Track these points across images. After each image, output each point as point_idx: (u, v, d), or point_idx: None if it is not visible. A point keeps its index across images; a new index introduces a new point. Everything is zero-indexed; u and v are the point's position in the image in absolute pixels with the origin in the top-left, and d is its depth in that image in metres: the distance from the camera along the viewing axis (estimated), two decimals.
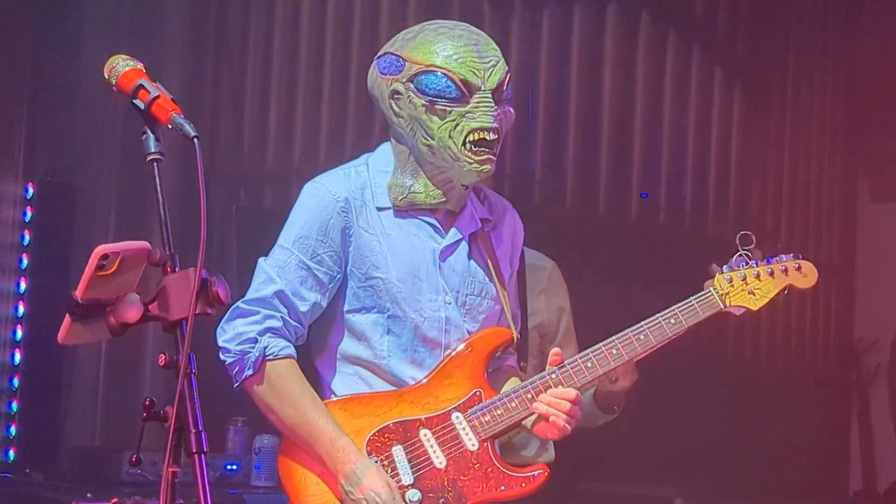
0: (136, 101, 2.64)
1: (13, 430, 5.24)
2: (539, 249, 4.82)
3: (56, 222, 5.31)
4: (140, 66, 2.70)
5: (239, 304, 3.28)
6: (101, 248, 2.47)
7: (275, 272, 3.29)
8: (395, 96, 3.36)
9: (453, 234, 3.43)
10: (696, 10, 7.06)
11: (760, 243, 3.53)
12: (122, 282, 2.50)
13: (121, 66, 2.70)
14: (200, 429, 2.46)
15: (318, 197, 3.35)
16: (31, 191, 5.29)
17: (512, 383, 3.46)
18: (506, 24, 6.44)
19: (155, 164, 2.61)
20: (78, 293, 2.49)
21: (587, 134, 6.70)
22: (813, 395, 7.08)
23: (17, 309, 5.27)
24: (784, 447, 6.75)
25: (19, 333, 5.25)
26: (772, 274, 3.51)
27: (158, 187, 2.58)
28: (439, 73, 3.31)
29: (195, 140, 2.55)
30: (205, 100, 5.62)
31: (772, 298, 3.51)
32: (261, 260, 3.33)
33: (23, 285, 5.25)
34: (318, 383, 3.40)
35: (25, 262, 5.26)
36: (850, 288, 7.40)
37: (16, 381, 5.26)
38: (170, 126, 2.60)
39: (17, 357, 5.25)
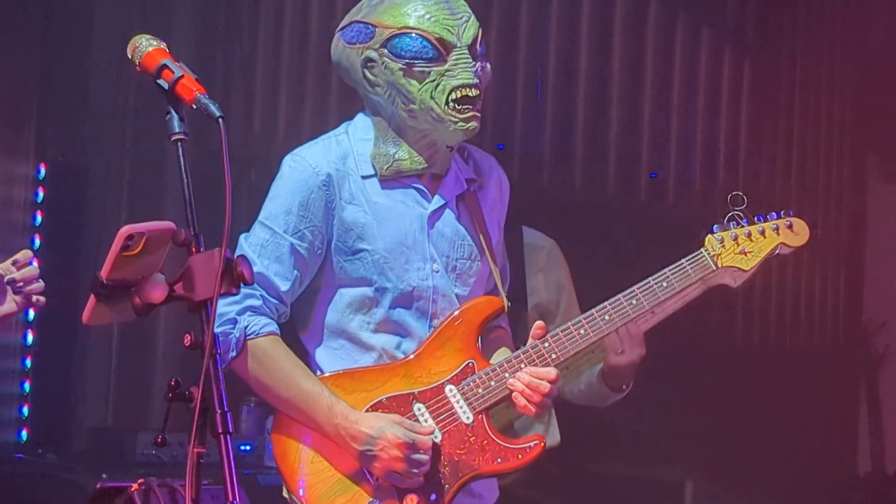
0: (160, 81, 2.63)
1: (26, 410, 5.25)
2: (548, 229, 4.81)
3: (68, 203, 5.32)
4: (163, 45, 2.70)
5: None
6: (126, 229, 2.46)
7: (255, 252, 3.23)
8: (369, 64, 3.30)
9: (438, 200, 3.38)
10: None
11: (751, 204, 3.52)
12: (147, 262, 2.49)
13: (144, 46, 2.69)
14: (226, 409, 2.45)
15: (299, 171, 3.30)
16: (42, 171, 5.29)
17: (502, 353, 3.42)
18: (515, 5, 6.42)
19: (179, 144, 2.59)
20: (103, 273, 2.48)
21: (596, 114, 6.69)
22: (822, 376, 7.07)
23: None
24: (793, 429, 6.75)
25: (31, 314, 5.25)
26: (763, 233, 3.49)
27: (183, 167, 2.56)
28: (413, 35, 3.26)
29: (220, 120, 2.55)
30: (215, 80, 5.61)
31: (764, 257, 3.49)
32: (242, 237, 3.26)
33: (35, 266, 5.24)
34: (304, 358, 3.35)
35: (37, 242, 5.26)
36: (860, 269, 7.39)
37: (28, 362, 5.27)
38: (194, 106, 2.59)
39: (30, 338, 5.26)
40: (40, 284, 3.12)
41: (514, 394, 3.30)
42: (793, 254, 6.67)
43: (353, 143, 3.37)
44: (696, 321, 6.12)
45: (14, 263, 3.11)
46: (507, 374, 3.31)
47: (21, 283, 3.09)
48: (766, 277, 6.98)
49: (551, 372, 3.31)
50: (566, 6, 6.57)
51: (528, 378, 3.29)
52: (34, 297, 3.12)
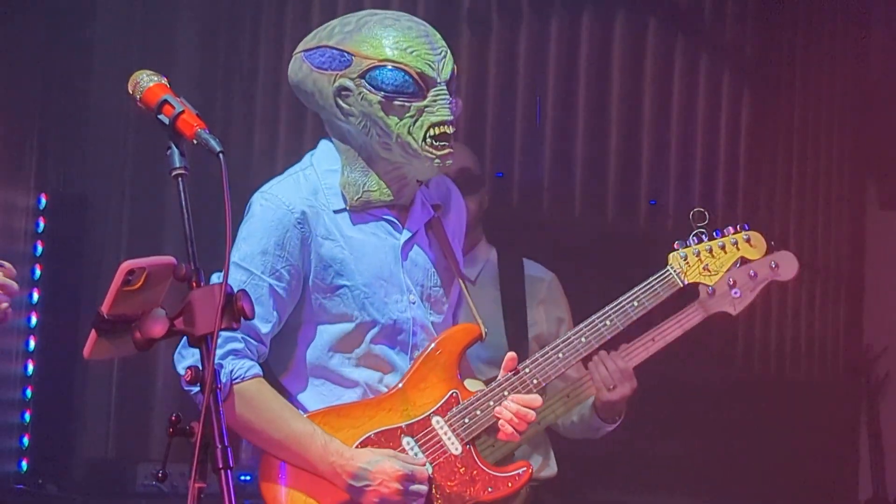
0: (161, 117, 2.64)
1: (26, 440, 5.24)
2: (548, 255, 4.83)
3: (68, 233, 5.32)
4: (164, 81, 2.71)
5: None
6: (127, 264, 2.47)
7: None
8: (343, 93, 3.25)
9: (408, 230, 3.36)
10: (704, 16, 7.06)
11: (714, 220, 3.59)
12: (147, 297, 2.50)
13: (145, 82, 2.70)
14: (226, 444, 2.45)
15: (273, 210, 3.24)
16: (43, 201, 5.30)
17: (471, 383, 3.41)
18: (514, 30, 6.43)
19: (180, 179, 2.59)
20: (104, 308, 2.49)
21: (595, 140, 6.69)
22: (822, 403, 7.06)
23: (29, 319, 5.27)
24: (793, 456, 6.74)
25: (32, 344, 5.26)
26: (723, 248, 3.57)
27: (183, 202, 2.57)
28: (394, 68, 3.22)
29: (220, 155, 2.55)
30: (215, 113, 5.62)
31: (726, 272, 3.58)
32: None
33: (35, 296, 5.26)
34: (286, 398, 3.31)
35: (38, 272, 5.26)
36: (859, 295, 7.38)
37: (28, 392, 5.27)
38: (195, 141, 2.60)
39: (30, 367, 5.26)
40: (6, 298, 3.04)
41: (500, 422, 3.31)
42: (792, 281, 6.69)
43: (320, 175, 3.33)
44: (697, 350, 6.13)
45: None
46: (491, 402, 3.32)
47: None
48: (766, 305, 6.98)
49: (536, 399, 3.33)
50: (564, 33, 6.58)
51: (516, 407, 3.30)
52: (3, 305, 3.04)
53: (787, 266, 3.85)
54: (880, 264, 7.35)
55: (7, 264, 3.08)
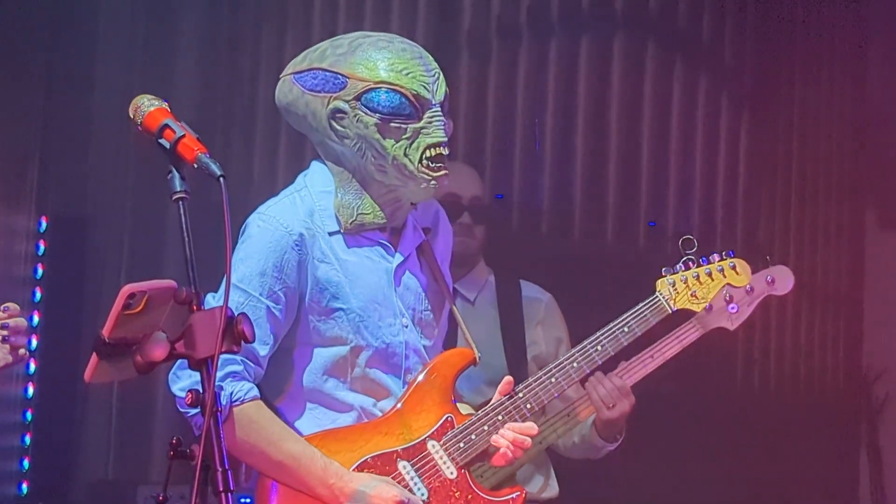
0: (162, 141, 2.65)
1: (26, 463, 5.23)
2: (547, 278, 4.84)
3: (69, 256, 5.32)
4: (165, 105, 2.72)
5: None
6: (128, 288, 2.49)
7: None
8: (338, 115, 3.25)
9: (401, 253, 3.36)
10: (703, 38, 7.08)
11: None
12: (148, 320, 2.51)
13: (146, 106, 2.71)
14: (227, 467, 2.47)
15: (271, 231, 3.24)
16: (43, 224, 5.30)
17: (462, 408, 3.43)
18: (513, 54, 6.45)
19: (181, 202, 2.61)
20: (105, 332, 2.50)
21: (594, 163, 6.70)
22: (821, 424, 7.06)
23: (29, 342, 5.23)
24: (793, 477, 6.74)
25: (32, 367, 5.25)
26: (710, 275, 3.64)
27: (184, 226, 2.58)
28: (390, 90, 3.22)
29: (221, 179, 2.57)
30: (215, 133, 5.63)
31: (712, 298, 3.65)
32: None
33: (36, 319, 5.25)
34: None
35: (38, 295, 5.26)
36: (859, 316, 7.38)
37: (29, 415, 5.26)
38: (195, 165, 2.61)
39: (31, 390, 5.25)
40: (24, 339, 3.13)
41: (491, 448, 3.33)
42: (792, 301, 6.68)
43: (315, 197, 3.32)
44: (697, 370, 6.13)
45: (4, 310, 3.13)
46: (486, 427, 3.34)
47: (8, 333, 3.11)
48: (766, 325, 6.98)
49: (533, 428, 3.35)
50: (564, 55, 6.60)
51: (513, 435, 3.32)
52: (21, 351, 3.14)
53: (783, 280, 3.88)
54: (880, 285, 7.35)
55: (11, 304, 3.13)
